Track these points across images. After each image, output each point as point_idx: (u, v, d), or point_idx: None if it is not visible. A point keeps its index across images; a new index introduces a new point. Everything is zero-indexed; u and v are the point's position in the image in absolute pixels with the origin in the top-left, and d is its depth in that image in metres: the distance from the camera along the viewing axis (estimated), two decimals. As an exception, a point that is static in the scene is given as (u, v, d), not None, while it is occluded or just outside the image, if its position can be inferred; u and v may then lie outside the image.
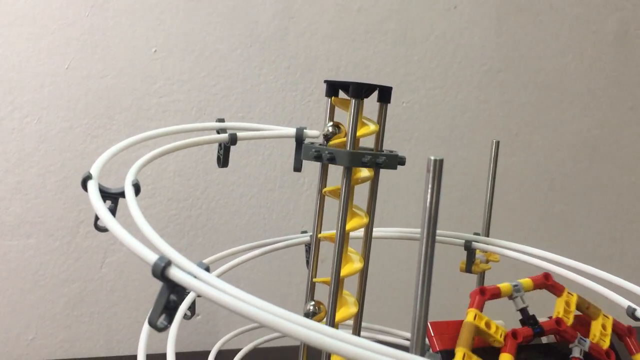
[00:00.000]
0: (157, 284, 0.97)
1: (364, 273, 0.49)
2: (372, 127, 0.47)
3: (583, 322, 0.54)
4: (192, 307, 0.58)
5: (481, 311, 0.50)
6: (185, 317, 0.57)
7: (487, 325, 0.48)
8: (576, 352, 0.49)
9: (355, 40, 0.94)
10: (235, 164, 0.88)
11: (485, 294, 0.51)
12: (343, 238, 0.47)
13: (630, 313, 0.51)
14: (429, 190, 0.33)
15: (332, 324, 0.44)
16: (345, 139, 0.48)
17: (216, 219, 0.90)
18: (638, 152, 1.17)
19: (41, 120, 0.80)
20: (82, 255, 0.83)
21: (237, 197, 0.90)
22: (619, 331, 0.54)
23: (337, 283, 0.46)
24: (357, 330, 0.49)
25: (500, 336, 0.48)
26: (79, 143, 0.81)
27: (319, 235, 0.50)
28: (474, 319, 0.48)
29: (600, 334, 0.52)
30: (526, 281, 0.53)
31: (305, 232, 0.68)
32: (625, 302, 0.52)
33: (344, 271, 0.46)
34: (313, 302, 0.47)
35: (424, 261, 0.33)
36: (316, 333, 0.28)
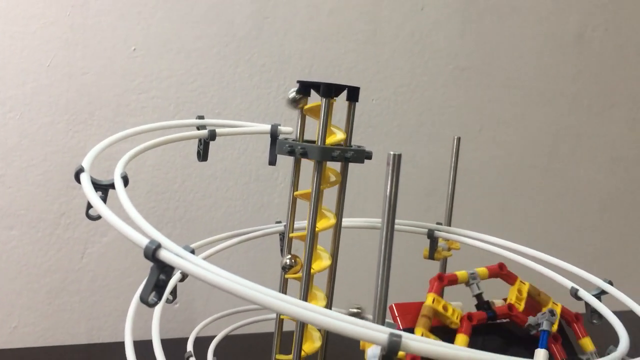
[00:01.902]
0: (136, 275, 1.00)
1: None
2: (340, 135, 0.51)
3: (534, 308, 0.59)
4: (173, 292, 0.61)
5: (440, 295, 0.54)
6: (167, 301, 0.60)
7: (445, 308, 0.53)
8: (546, 326, 0.54)
9: (327, 40, 0.98)
10: (212, 158, 0.90)
11: (443, 280, 0.55)
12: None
13: (574, 293, 0.57)
14: (389, 181, 0.38)
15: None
16: (314, 104, 0.52)
17: (193, 211, 0.93)
18: (595, 148, 1.23)
19: (24, 115, 0.82)
20: (64, 247, 0.86)
21: (214, 190, 0.94)
22: (567, 317, 0.59)
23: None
24: (329, 305, 0.53)
25: (457, 318, 0.53)
26: (61, 138, 0.84)
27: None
28: (432, 302, 0.52)
29: None
30: (482, 270, 0.58)
31: (279, 222, 0.72)
32: (569, 284, 0.58)
33: (319, 225, 0.49)
34: (289, 256, 0.50)
35: (385, 244, 0.37)
36: (290, 305, 0.33)
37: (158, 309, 0.59)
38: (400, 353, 0.36)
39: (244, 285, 0.33)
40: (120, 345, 0.92)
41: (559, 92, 1.18)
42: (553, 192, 1.20)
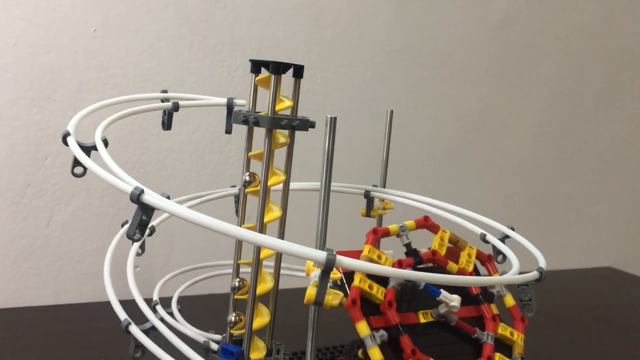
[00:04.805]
0: (99, 241, 1.07)
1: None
2: (287, 102, 0.59)
3: (454, 253, 0.70)
4: (142, 246, 0.69)
5: (375, 246, 0.64)
6: (137, 254, 0.68)
7: (379, 257, 0.62)
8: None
9: (275, 23, 1.06)
10: (169, 132, 0.98)
11: (377, 233, 0.65)
12: (269, 155, 0.57)
13: (482, 238, 0.68)
14: (327, 140, 0.47)
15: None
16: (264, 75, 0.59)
17: (152, 182, 1.00)
18: (518, 122, 1.36)
19: (-10, 92, 0.87)
20: (30, 214, 0.92)
21: (171, 162, 1.01)
22: (481, 258, 0.70)
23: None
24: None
25: (389, 265, 0.63)
26: (25, 113, 0.90)
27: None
28: (368, 252, 0.62)
29: (466, 261, 0.68)
30: (410, 223, 0.68)
31: (234, 186, 0.80)
32: (480, 231, 0.69)
33: (274, 145, 0.57)
34: (248, 173, 0.58)
35: (324, 188, 0.47)
36: (248, 234, 0.42)
37: (130, 267, 0.67)
38: (334, 276, 0.46)
39: (210, 219, 0.42)
40: (85, 305, 1.00)
41: (486, 72, 1.29)
42: (481, 162, 1.32)
